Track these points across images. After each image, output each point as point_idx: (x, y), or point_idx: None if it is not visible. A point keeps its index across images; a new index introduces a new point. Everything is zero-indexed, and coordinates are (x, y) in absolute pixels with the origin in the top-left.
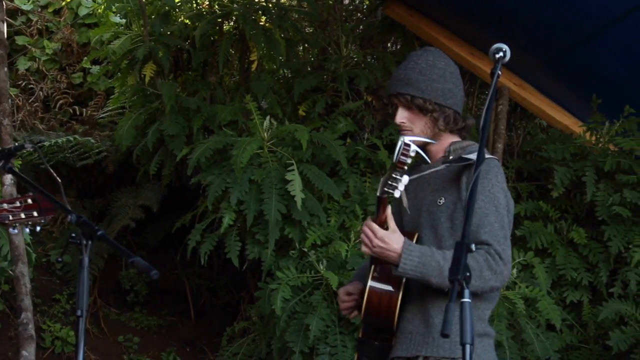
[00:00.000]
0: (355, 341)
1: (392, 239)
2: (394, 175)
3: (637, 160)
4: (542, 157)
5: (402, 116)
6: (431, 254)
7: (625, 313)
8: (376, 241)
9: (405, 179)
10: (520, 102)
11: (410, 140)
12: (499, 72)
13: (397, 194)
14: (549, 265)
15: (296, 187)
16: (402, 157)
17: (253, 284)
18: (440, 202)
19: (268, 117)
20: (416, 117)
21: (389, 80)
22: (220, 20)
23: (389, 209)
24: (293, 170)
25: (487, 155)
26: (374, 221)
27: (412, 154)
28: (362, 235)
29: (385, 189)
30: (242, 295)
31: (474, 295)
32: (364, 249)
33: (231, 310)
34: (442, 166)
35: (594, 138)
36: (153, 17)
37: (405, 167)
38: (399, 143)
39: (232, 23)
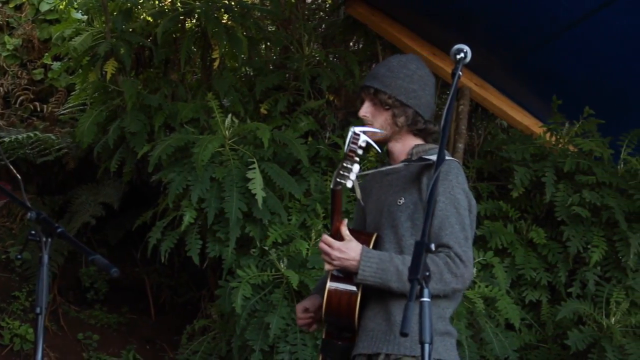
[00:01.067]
0: (319, 341)
1: (349, 248)
2: (345, 165)
3: (596, 161)
4: (503, 157)
5: (365, 110)
6: (390, 259)
7: (583, 313)
8: (334, 253)
9: (356, 167)
10: (481, 103)
11: (360, 131)
12: (460, 73)
13: (349, 184)
14: (509, 264)
15: (257, 186)
16: (352, 145)
17: (213, 282)
18: (400, 202)
19: (230, 115)
20: (378, 112)
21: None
22: (182, 17)
23: (344, 222)
24: (254, 168)
25: (447, 157)
26: (332, 230)
27: (363, 144)
28: (322, 255)
29: (338, 180)
30: (202, 293)
31: (437, 295)
32: (326, 267)
33: (191, 308)
34: (401, 165)
35: (554, 139)
36: (115, 13)
37: (356, 157)
38: (349, 133)
39: (194, 21)
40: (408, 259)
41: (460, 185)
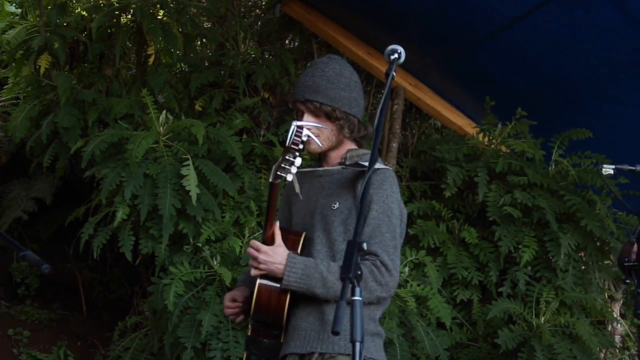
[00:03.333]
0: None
1: (275, 253)
2: (287, 158)
3: (528, 162)
4: (436, 157)
5: (308, 122)
6: (314, 266)
7: (513, 312)
8: (261, 257)
9: (298, 161)
10: (415, 103)
11: (303, 125)
12: (394, 74)
13: (289, 177)
14: (441, 264)
15: (191, 183)
16: (295, 138)
17: (146, 278)
18: (334, 207)
19: (164, 112)
20: (323, 124)
21: (295, 86)
22: (117, 12)
23: (276, 225)
24: (188, 165)
25: (382, 166)
26: (266, 232)
27: (305, 138)
28: (250, 260)
29: (278, 173)
30: (134, 289)
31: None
32: (253, 272)
33: (123, 304)
34: (338, 167)
35: (486, 139)
36: (49, 7)
37: (297, 152)
38: (292, 127)
39: (129, 16)
40: (333, 265)
41: (394, 194)
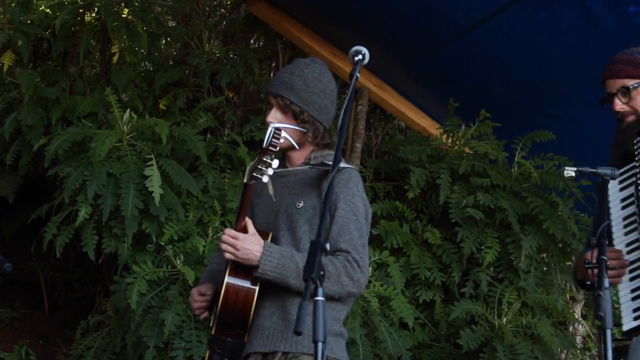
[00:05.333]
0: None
1: (252, 241)
2: (264, 160)
3: (491, 164)
4: (400, 157)
5: (274, 117)
6: (290, 256)
7: (475, 312)
8: (239, 243)
9: (276, 163)
10: (379, 103)
11: (280, 127)
12: (357, 75)
13: (265, 179)
14: (404, 264)
15: (154, 182)
16: (273, 140)
17: (109, 277)
18: (299, 206)
19: (128, 110)
20: (288, 121)
21: (272, 79)
22: (81, 10)
23: (248, 219)
24: (152, 164)
25: (347, 165)
26: (237, 226)
27: (282, 140)
28: (223, 245)
29: (254, 174)
30: (97, 288)
31: (332, 298)
32: (228, 256)
33: (86, 303)
34: (304, 167)
35: (450, 141)
36: (13, 5)
37: (274, 154)
38: (270, 129)
39: (93, 14)
40: None
41: (359, 193)
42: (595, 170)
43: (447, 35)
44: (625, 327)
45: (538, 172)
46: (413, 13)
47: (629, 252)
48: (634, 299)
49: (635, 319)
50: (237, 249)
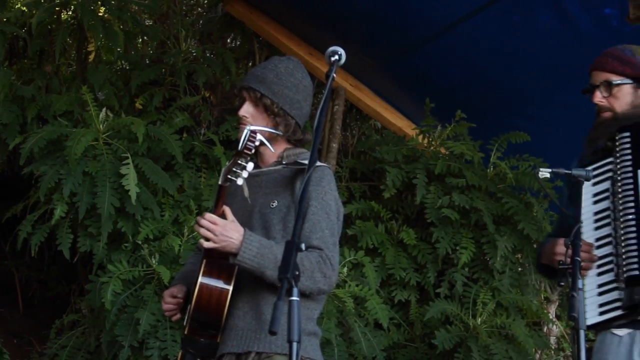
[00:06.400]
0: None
1: (232, 228)
2: (239, 162)
3: (467, 164)
4: (376, 158)
5: (246, 110)
6: (270, 247)
7: (450, 313)
8: (217, 229)
9: (250, 165)
10: (355, 103)
11: (256, 130)
12: (334, 75)
13: (239, 181)
14: (379, 264)
15: (130, 181)
16: (249, 143)
17: (84, 276)
18: (273, 205)
19: (104, 109)
20: (260, 115)
21: (246, 74)
22: (58, 8)
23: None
24: (128, 163)
25: (320, 163)
26: (213, 214)
27: (257, 143)
28: (201, 230)
29: (229, 177)
30: (72, 287)
31: (303, 296)
32: (205, 243)
33: (61, 302)
34: (278, 167)
35: (426, 141)
36: None
37: (249, 156)
38: (245, 131)
39: (70, 12)
40: None
41: (332, 192)
42: (569, 172)
43: (423, 36)
44: (589, 322)
45: (513, 173)
46: (390, 14)
47: (598, 247)
48: (600, 294)
49: (601, 314)
50: (215, 234)
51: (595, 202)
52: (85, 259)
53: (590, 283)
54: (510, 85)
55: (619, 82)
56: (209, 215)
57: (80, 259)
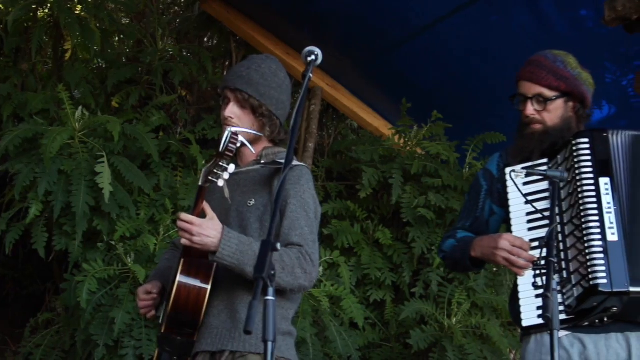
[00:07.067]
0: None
1: (210, 226)
2: (220, 164)
3: (442, 164)
4: (352, 157)
5: (232, 111)
6: (249, 243)
7: (425, 313)
8: (195, 229)
9: (232, 167)
10: (332, 103)
11: (237, 131)
12: (310, 75)
13: (220, 182)
14: (355, 264)
15: (104, 180)
16: (230, 145)
17: (59, 275)
18: (250, 204)
19: (80, 108)
20: (246, 117)
21: (228, 74)
22: (34, 6)
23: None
24: (103, 162)
25: (298, 163)
26: (192, 213)
27: (239, 145)
28: (180, 231)
29: (210, 178)
30: (47, 286)
31: (280, 295)
32: (184, 241)
33: (36, 301)
34: (258, 166)
35: (402, 141)
36: None
37: (230, 158)
38: (226, 133)
39: (46, 10)
40: None
41: (310, 191)
42: (544, 173)
43: (400, 37)
44: (525, 323)
45: None
46: (367, 14)
47: (534, 248)
48: (537, 296)
49: (539, 316)
50: (192, 234)
51: (528, 202)
52: (61, 257)
53: (525, 283)
54: (486, 85)
55: (553, 97)
56: (184, 215)
57: (55, 258)
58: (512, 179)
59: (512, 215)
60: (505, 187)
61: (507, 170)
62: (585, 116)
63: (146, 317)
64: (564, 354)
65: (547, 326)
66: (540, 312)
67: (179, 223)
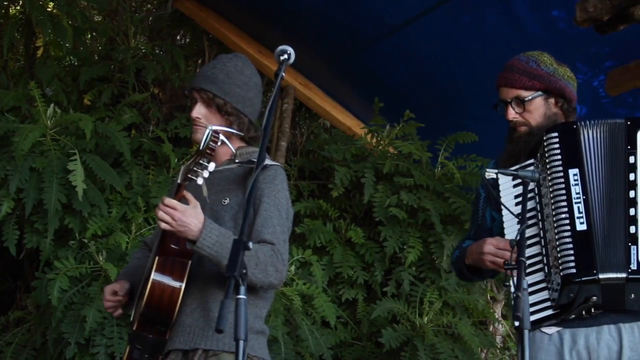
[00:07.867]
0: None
1: (193, 213)
2: (200, 162)
3: (415, 164)
4: (324, 156)
5: (199, 112)
6: (229, 236)
7: (397, 312)
8: (177, 214)
9: (212, 166)
10: (305, 102)
11: (217, 130)
12: (283, 74)
13: (199, 180)
14: (327, 263)
15: (77, 177)
16: (211, 143)
17: (30, 273)
18: (224, 202)
19: (52, 105)
20: (212, 116)
21: (195, 75)
22: (6, 3)
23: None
24: (75, 160)
25: (273, 163)
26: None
27: (219, 143)
28: (160, 213)
29: (189, 175)
30: (18, 284)
31: (253, 293)
32: (163, 225)
33: (6, 299)
34: (233, 165)
35: (374, 140)
36: None
37: (211, 156)
38: (207, 131)
39: (18, 7)
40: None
41: (284, 191)
42: (516, 173)
43: (372, 36)
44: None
45: (461, 173)
46: (339, 13)
47: (528, 246)
48: (529, 293)
49: (532, 313)
50: (174, 219)
51: (518, 204)
52: (32, 255)
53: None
54: (458, 85)
55: (530, 97)
56: (168, 200)
57: (26, 255)
58: (491, 180)
59: (504, 218)
60: (499, 192)
61: (482, 171)
62: (572, 110)
63: (114, 316)
64: (554, 349)
65: (537, 324)
66: (532, 309)
67: (161, 207)
